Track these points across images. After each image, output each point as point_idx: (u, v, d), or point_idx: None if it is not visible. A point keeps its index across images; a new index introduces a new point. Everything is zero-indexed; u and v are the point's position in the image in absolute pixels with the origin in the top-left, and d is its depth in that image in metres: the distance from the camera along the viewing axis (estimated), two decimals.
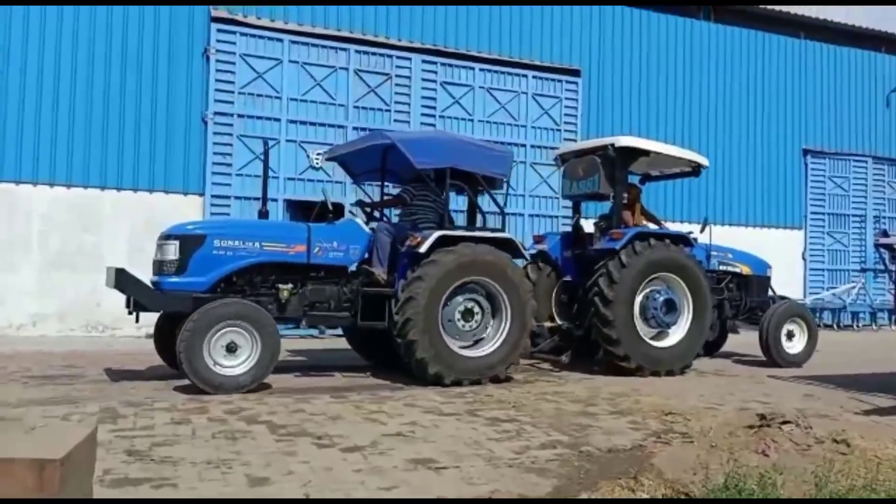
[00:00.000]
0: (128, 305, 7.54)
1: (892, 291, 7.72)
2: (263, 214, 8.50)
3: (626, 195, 9.71)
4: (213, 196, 12.57)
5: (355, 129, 13.36)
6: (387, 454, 5.13)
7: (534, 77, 14.61)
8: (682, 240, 9.41)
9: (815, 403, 7.16)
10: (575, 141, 14.45)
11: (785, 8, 16.17)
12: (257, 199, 12.71)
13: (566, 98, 14.84)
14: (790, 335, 10.16)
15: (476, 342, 8.08)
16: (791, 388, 8.06)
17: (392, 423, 6.03)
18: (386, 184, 9.67)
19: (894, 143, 16.98)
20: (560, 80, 14.78)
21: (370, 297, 7.89)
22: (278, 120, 13.00)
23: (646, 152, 9.57)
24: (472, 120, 14.14)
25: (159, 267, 7.50)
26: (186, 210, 12.42)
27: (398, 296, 7.66)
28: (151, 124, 12.34)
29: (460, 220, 9.62)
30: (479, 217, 9.05)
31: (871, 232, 16.71)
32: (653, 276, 9.05)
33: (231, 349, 7.04)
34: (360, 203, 8.98)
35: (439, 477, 4.69)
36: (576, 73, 14.89)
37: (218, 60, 12.61)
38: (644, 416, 6.41)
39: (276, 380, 7.73)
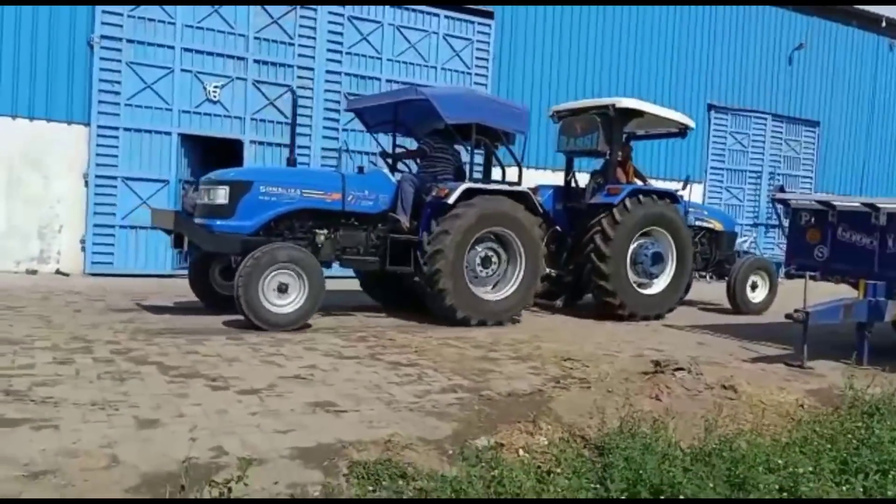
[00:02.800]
0: (178, 245, 7.92)
1: (784, 246, 8.32)
2: (291, 162, 8.79)
3: (620, 153, 10.18)
4: (99, 126, 11.75)
5: (256, 61, 12.70)
6: (284, 397, 4.97)
7: (445, 17, 14.21)
8: (671, 197, 9.97)
9: (706, 351, 7.40)
10: (485, 85, 14.33)
11: None
12: (149, 132, 12.07)
13: (478, 41, 14.50)
14: (753, 286, 11.03)
15: (491, 287, 8.68)
16: (685, 337, 8.32)
17: (290, 366, 5.86)
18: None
19: (794, 101, 17.53)
20: (472, 22, 14.44)
21: (396, 244, 8.32)
22: (172, 48, 12.15)
23: (641, 113, 10.00)
24: (380, 58, 13.68)
25: (208, 210, 7.78)
26: (70, 140, 11.61)
27: (423, 241, 8.12)
28: (32, 46, 11.31)
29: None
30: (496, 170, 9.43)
31: (766, 188, 17.43)
32: (645, 230, 9.64)
33: (282, 289, 7.41)
34: (383, 154, 9.45)
35: (338, 420, 4.58)
36: (489, 14, 14.59)
37: None
38: (544, 362, 6.46)
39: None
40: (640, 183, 10.42)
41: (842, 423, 4.59)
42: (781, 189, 12.93)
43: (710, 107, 16.35)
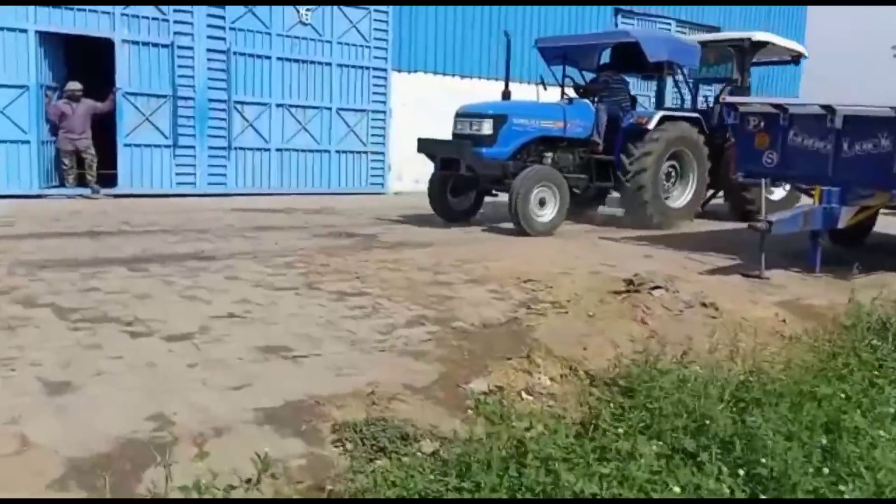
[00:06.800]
0: (445, 168, 9.14)
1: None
2: (506, 95, 9.86)
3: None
4: None
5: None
6: (224, 341, 4.11)
7: None
8: None
9: (655, 264, 6.95)
10: (385, 59, 13.28)
11: None
12: (1, 29, 10.24)
13: (376, 9, 13.04)
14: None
15: (670, 196, 10.09)
16: (627, 250, 7.87)
17: (218, 302, 4.94)
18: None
19: (696, 6, 17.07)
20: None
21: (598, 163, 9.71)
22: None
23: (767, 44, 11.17)
24: (269, 33, 12.12)
25: (475, 139, 8.81)
26: None
27: (624, 161, 9.40)
28: None
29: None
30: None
31: None
32: None
33: (542, 203, 8.74)
34: (576, 87, 10.44)
35: (299, 368, 3.79)
36: None
37: None
38: (502, 284, 5.81)
39: None
40: None
41: (867, 345, 4.19)
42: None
43: (618, 10, 15.77)
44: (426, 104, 13.23)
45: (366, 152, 13.30)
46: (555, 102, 10.02)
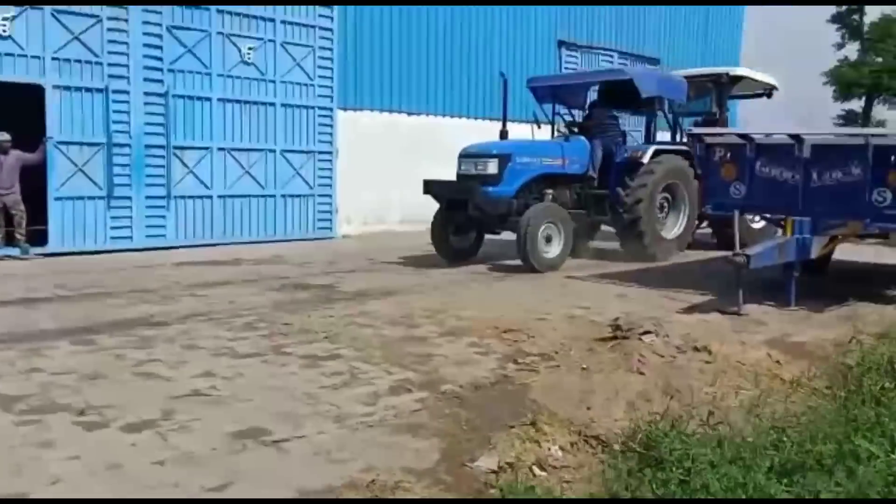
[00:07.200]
0: (450, 208, 9.31)
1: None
2: (504, 135, 10.07)
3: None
4: None
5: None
6: (192, 429, 3.65)
7: (282, 22, 12.32)
8: None
9: (632, 305, 6.76)
10: (331, 97, 12.92)
11: None
12: None
13: (320, 47, 12.76)
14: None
15: (663, 228, 10.23)
16: (598, 290, 7.64)
17: (178, 377, 4.47)
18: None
19: (636, 38, 17.24)
20: (313, 27, 12.69)
21: (596, 198, 9.93)
22: None
23: (741, 78, 11.55)
24: (209, 74, 11.66)
25: (480, 179, 8.97)
26: None
27: (620, 194, 9.62)
28: None
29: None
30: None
31: None
32: None
33: (548, 239, 8.93)
34: (569, 124, 10.79)
35: (284, 456, 3.37)
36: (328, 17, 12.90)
37: None
38: (481, 336, 5.49)
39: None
40: None
41: (881, 389, 3.99)
42: None
43: (561, 43, 15.77)
44: (373, 142, 12.95)
45: (312, 195, 12.84)
46: (553, 140, 10.31)
